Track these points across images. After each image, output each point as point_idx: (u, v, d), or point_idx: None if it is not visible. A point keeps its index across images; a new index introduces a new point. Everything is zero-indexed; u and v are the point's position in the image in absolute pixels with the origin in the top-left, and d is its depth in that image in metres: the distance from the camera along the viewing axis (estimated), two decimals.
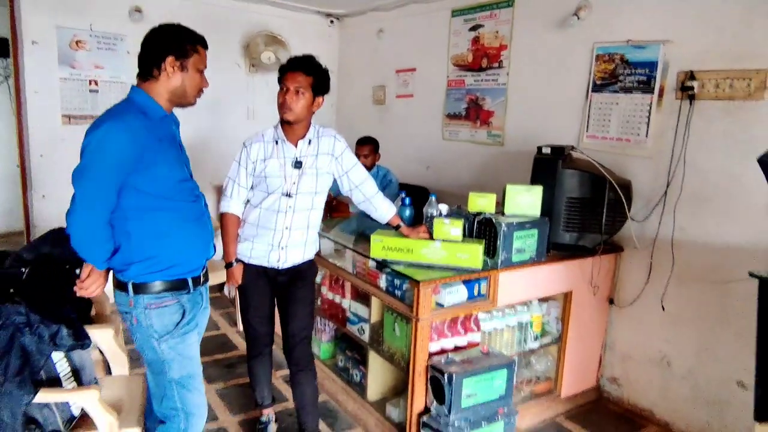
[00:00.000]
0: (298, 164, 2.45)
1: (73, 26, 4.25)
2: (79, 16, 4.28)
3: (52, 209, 4.33)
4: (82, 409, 2.08)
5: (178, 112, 2.03)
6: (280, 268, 2.53)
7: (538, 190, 2.77)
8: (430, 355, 2.62)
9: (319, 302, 3.43)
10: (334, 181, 2.61)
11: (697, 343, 2.93)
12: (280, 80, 2.40)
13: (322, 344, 3.53)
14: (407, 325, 2.67)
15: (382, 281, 2.82)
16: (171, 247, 1.91)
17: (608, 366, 3.38)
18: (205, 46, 1.96)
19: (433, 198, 2.84)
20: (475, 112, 4.22)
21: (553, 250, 2.93)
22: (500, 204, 2.80)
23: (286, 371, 3.40)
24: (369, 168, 3.98)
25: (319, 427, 2.77)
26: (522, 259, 2.72)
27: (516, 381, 2.77)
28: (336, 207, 3.91)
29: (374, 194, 2.63)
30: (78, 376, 2.15)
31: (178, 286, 1.93)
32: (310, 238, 2.57)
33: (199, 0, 4.77)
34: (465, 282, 2.66)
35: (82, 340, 2.03)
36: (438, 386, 2.51)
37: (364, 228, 3.37)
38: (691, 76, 2.82)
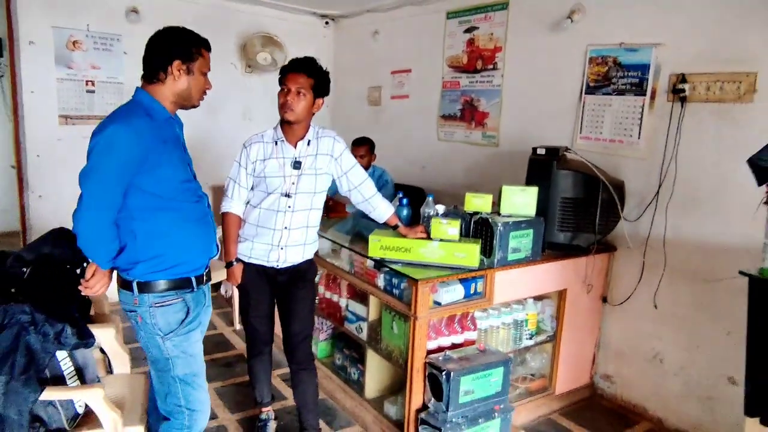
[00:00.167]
0: (297, 165, 2.48)
1: (69, 26, 4.26)
2: (76, 16, 4.28)
3: (48, 209, 4.33)
4: (86, 407, 2.11)
5: None
6: (279, 267, 2.55)
7: (533, 191, 2.82)
8: (428, 352, 2.66)
9: (316, 301, 3.46)
10: (332, 181, 2.65)
11: (688, 340, 2.99)
12: (281, 81, 2.43)
13: (319, 343, 3.56)
14: (405, 323, 2.71)
15: (380, 280, 2.86)
16: (175, 246, 1.94)
17: (602, 363, 3.43)
18: (208, 49, 1.99)
19: (430, 198, 2.88)
20: (470, 114, 4.26)
21: (548, 250, 2.98)
22: (496, 204, 2.85)
23: (284, 370, 3.44)
24: (365, 168, 3.99)
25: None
26: (518, 258, 2.77)
27: (511, 378, 2.82)
28: (333, 207, 3.94)
29: (373, 195, 2.67)
30: (81, 375, 2.18)
31: (182, 284, 1.96)
32: (309, 237, 2.60)
33: (196, 0, 4.79)
34: (462, 281, 2.70)
35: (86, 339, 2.05)
36: (436, 383, 2.55)
37: (360, 228, 3.41)
38: (683, 78, 2.87)
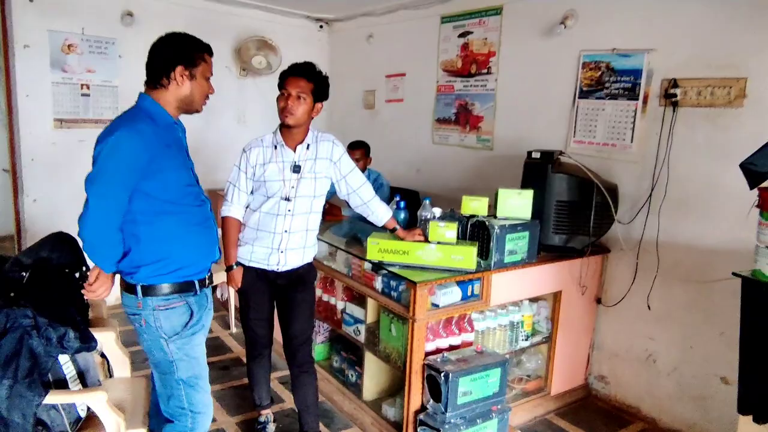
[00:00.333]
0: (296, 168, 2.50)
1: (64, 30, 4.25)
2: (71, 20, 4.28)
3: (43, 213, 4.32)
4: (87, 411, 2.12)
5: None
6: (279, 270, 2.57)
7: (528, 194, 2.86)
8: (426, 354, 2.69)
9: None
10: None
11: (681, 341, 3.04)
12: (281, 85, 2.45)
13: (316, 346, 3.57)
14: (403, 325, 2.74)
15: (378, 283, 2.88)
16: (179, 249, 1.96)
17: (596, 364, 3.48)
18: (211, 54, 2.01)
19: (427, 201, 2.91)
20: (464, 117, 4.30)
21: (543, 252, 3.02)
22: (492, 207, 2.89)
23: (282, 374, 3.46)
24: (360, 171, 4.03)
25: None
26: (514, 261, 2.81)
27: (507, 379, 2.85)
28: (329, 210, 3.96)
29: (372, 198, 2.69)
30: (83, 378, 2.18)
31: (185, 288, 1.98)
32: (309, 241, 2.61)
33: (190, 4, 4.79)
34: (459, 283, 2.73)
35: (88, 342, 2.06)
36: (434, 385, 2.58)
37: (356, 231, 3.44)
38: (675, 83, 2.93)
